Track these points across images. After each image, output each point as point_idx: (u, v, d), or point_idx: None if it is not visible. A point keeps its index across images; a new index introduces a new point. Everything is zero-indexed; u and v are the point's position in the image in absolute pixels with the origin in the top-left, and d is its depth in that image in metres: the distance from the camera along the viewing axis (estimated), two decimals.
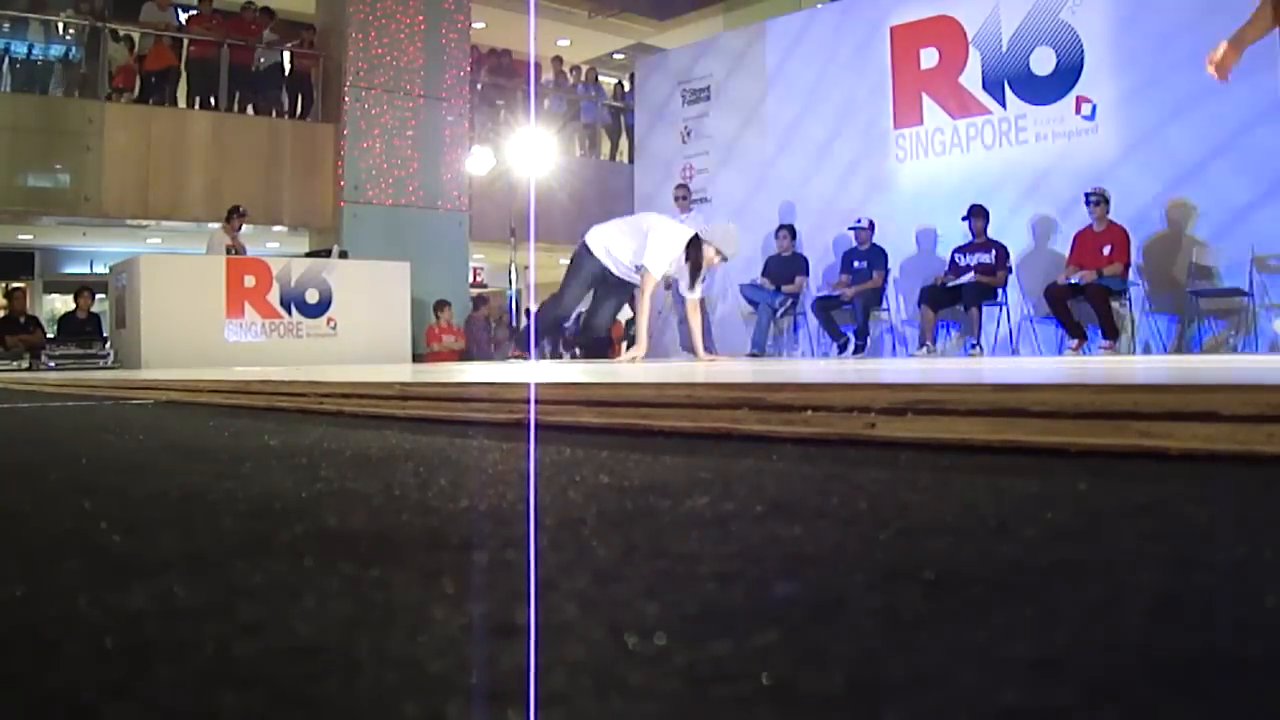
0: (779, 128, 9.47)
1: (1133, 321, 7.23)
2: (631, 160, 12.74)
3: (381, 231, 11.12)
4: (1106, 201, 7.01)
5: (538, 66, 15.03)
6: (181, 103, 11.13)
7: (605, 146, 14.46)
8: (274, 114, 11.46)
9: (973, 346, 7.50)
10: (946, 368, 3.08)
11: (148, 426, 2.32)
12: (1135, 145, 7.33)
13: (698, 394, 1.55)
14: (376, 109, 11.35)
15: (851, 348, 8.06)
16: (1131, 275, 7.08)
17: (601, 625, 0.52)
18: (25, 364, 8.69)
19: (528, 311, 13.61)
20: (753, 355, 8.49)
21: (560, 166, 12.43)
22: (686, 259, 5.62)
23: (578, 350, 6.17)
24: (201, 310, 8.49)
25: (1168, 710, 0.39)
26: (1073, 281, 6.96)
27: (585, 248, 5.81)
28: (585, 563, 0.67)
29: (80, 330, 9.54)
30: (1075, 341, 7.01)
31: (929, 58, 8.50)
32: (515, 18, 14.08)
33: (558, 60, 14.99)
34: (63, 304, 13.76)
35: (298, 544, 0.77)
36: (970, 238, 7.70)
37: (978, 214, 7.62)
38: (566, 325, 6.86)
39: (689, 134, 10.38)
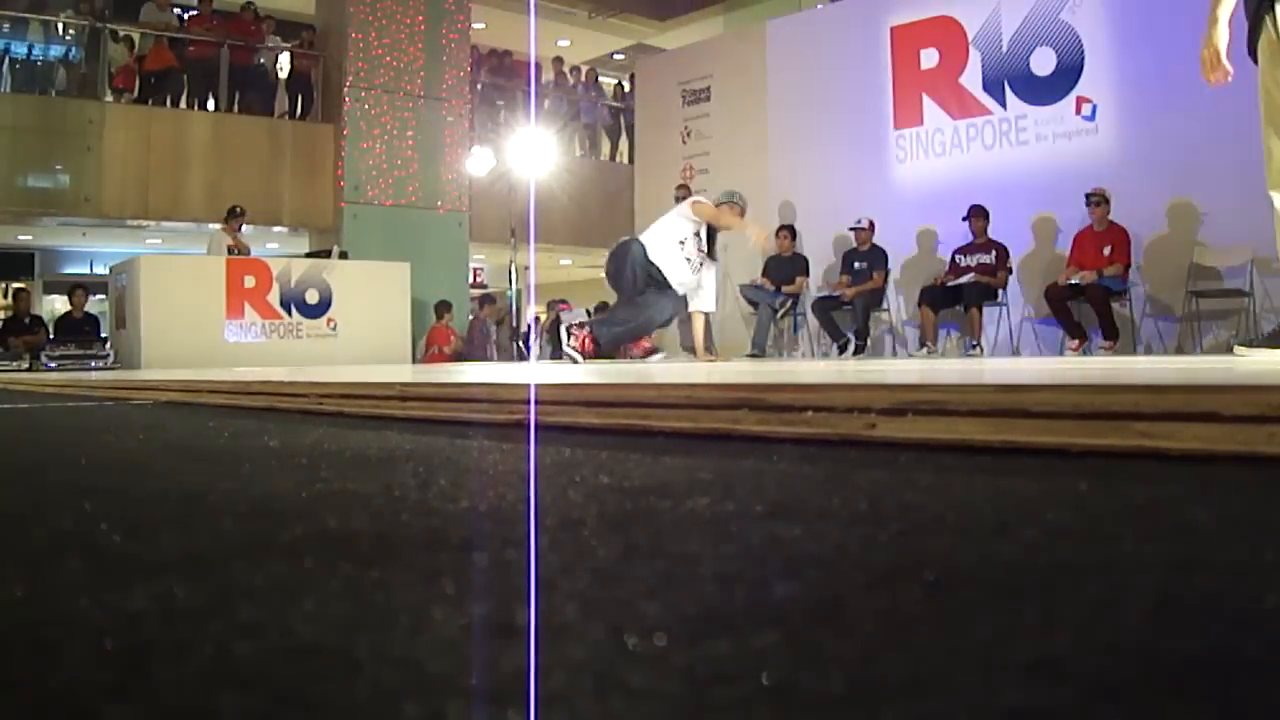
0: (779, 128, 9.47)
1: (1133, 322, 7.23)
2: (631, 160, 12.75)
3: (381, 232, 11.12)
4: (1106, 202, 7.01)
5: (538, 66, 15.03)
6: (181, 103, 11.14)
7: (605, 147, 14.47)
8: (274, 113, 11.47)
9: (973, 347, 7.50)
10: (946, 368, 3.08)
11: (148, 427, 2.32)
12: (1135, 145, 7.33)
13: (698, 394, 1.55)
14: (376, 109, 11.35)
15: (851, 348, 8.06)
16: (1132, 276, 7.08)
17: (601, 626, 0.52)
18: (25, 364, 8.69)
19: (539, 318, 13.63)
20: (753, 355, 8.49)
21: (560, 167, 12.44)
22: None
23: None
24: (201, 311, 8.49)
25: (1168, 710, 0.39)
26: (1073, 282, 6.96)
27: (640, 254, 5.79)
28: (585, 563, 0.67)
29: (78, 330, 9.54)
30: (1075, 342, 7.01)
31: (929, 58, 8.50)
32: (515, 18, 14.08)
33: (558, 60, 14.99)
34: (62, 304, 13.75)
35: (298, 545, 0.77)
36: (970, 238, 7.70)
37: (977, 214, 7.63)
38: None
39: (689, 134, 10.38)
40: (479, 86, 13.00)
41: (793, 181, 9.33)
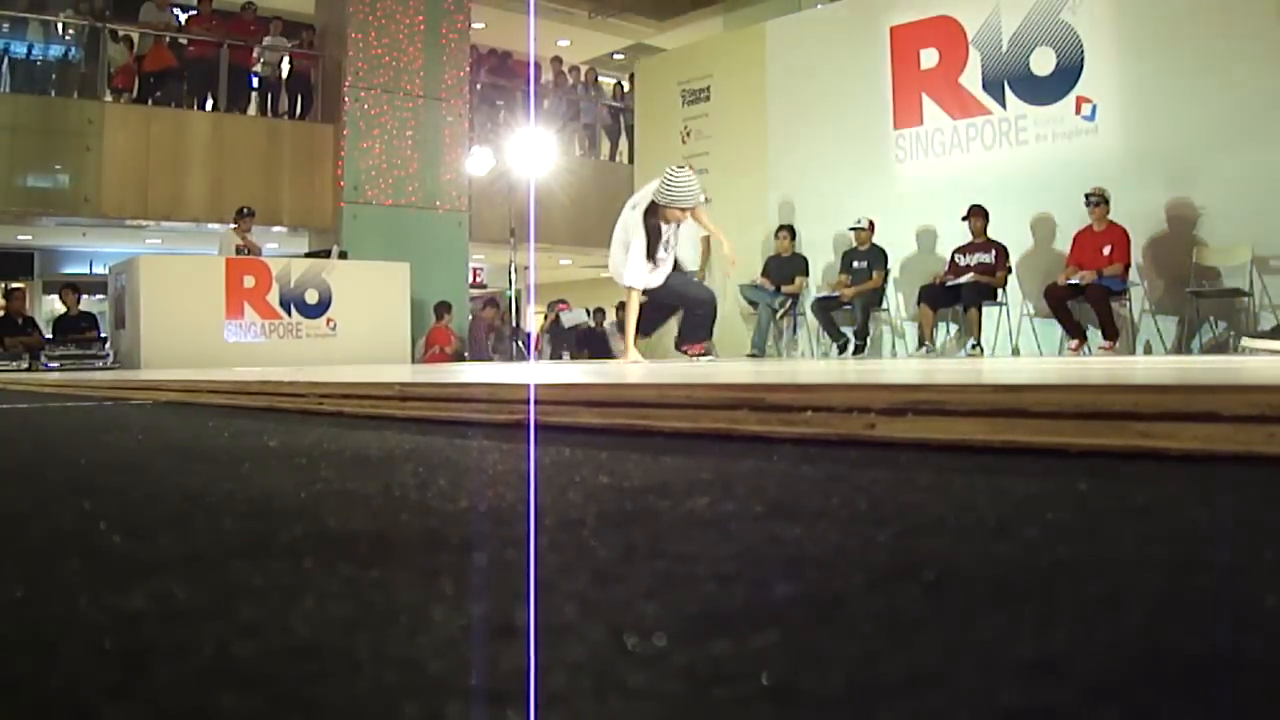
0: (779, 128, 9.47)
1: (1133, 322, 7.23)
2: (631, 160, 12.74)
3: (381, 232, 11.12)
4: (1106, 201, 7.01)
5: (538, 66, 15.03)
6: (181, 102, 11.14)
7: (605, 147, 14.46)
8: (269, 112, 11.47)
9: (973, 346, 7.50)
10: (946, 368, 3.08)
11: (147, 427, 2.32)
12: (1135, 145, 7.33)
13: (697, 394, 1.55)
14: (376, 109, 11.35)
15: (851, 348, 8.06)
16: (1132, 275, 7.08)
17: (601, 626, 0.52)
18: (25, 365, 8.69)
19: (549, 314, 13.60)
20: (752, 355, 8.49)
21: (560, 167, 12.43)
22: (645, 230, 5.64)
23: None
24: (201, 311, 8.49)
25: (1168, 710, 0.39)
26: (1073, 282, 6.96)
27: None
28: (585, 563, 0.67)
29: (76, 328, 9.53)
30: (1075, 342, 7.01)
31: (929, 58, 8.50)
32: (515, 18, 14.08)
33: (556, 60, 14.99)
34: (62, 305, 13.76)
35: (297, 545, 0.77)
36: (970, 238, 7.70)
37: (977, 214, 7.63)
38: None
39: (689, 134, 10.38)
40: (479, 86, 13.00)
41: (793, 181, 9.33)
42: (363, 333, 9.18)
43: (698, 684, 0.43)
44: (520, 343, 11.40)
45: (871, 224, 8.27)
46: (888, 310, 8.50)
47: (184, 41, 11.27)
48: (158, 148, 10.50)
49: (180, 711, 0.42)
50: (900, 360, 7.06)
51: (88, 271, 15.10)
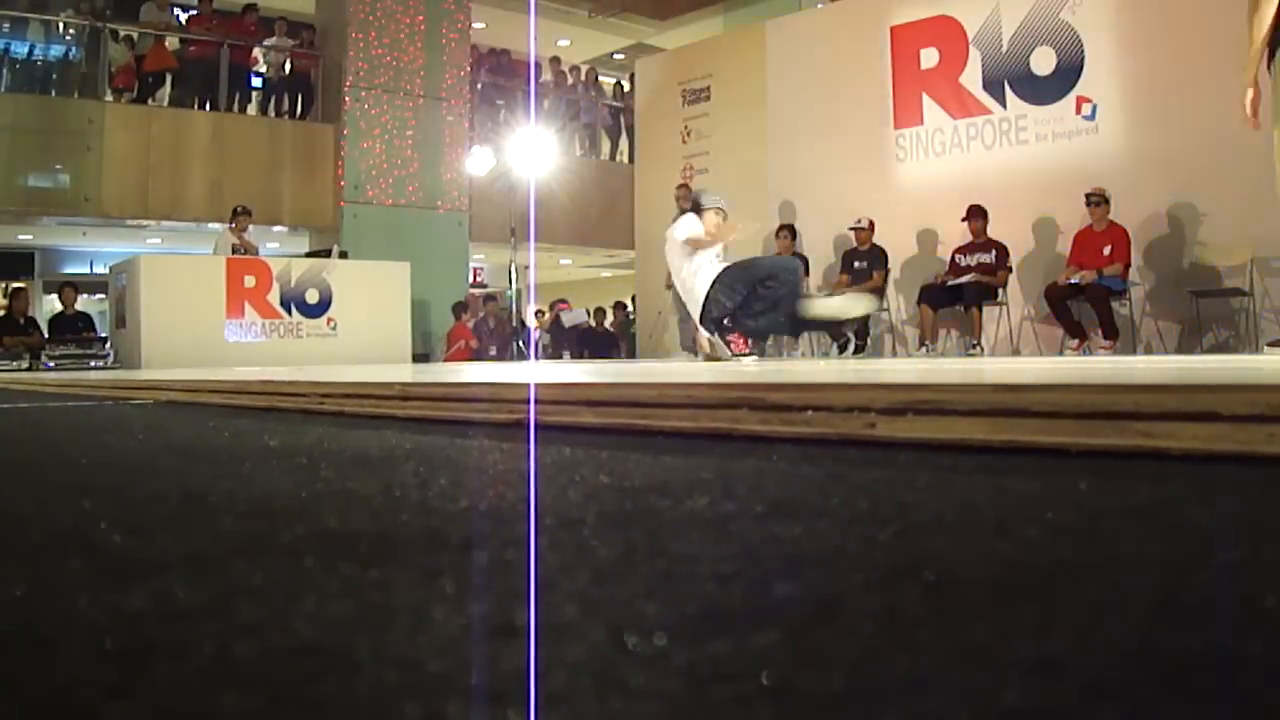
0: (779, 128, 9.47)
1: (1133, 322, 7.23)
2: (631, 160, 12.74)
3: (381, 231, 11.12)
4: (1106, 201, 7.01)
5: (538, 66, 15.03)
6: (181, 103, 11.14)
7: (605, 147, 14.46)
8: (270, 112, 11.47)
9: (973, 346, 7.50)
10: (946, 368, 3.08)
11: (148, 427, 2.32)
12: (1135, 145, 7.33)
13: (698, 394, 1.55)
14: (376, 109, 11.35)
15: (851, 348, 8.06)
16: (1132, 275, 7.08)
17: (601, 625, 0.52)
18: (25, 364, 8.69)
19: (548, 314, 13.60)
20: (752, 356, 8.48)
21: (560, 167, 12.43)
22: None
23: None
24: (201, 310, 8.48)
25: (1168, 710, 0.39)
26: (1073, 281, 6.96)
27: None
28: (585, 563, 0.67)
29: (72, 327, 9.53)
30: (1075, 341, 7.01)
31: (929, 58, 8.51)
32: (515, 18, 14.08)
33: (555, 60, 14.99)
34: (60, 304, 13.77)
35: (298, 544, 0.77)
36: (970, 238, 7.70)
37: (977, 214, 7.63)
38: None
39: (689, 134, 10.38)
40: (479, 86, 13.00)
41: (793, 181, 9.33)
42: (363, 333, 9.17)
43: (698, 683, 0.43)
44: (521, 342, 11.39)
45: (871, 224, 8.27)
46: (888, 310, 8.50)
47: (184, 40, 11.28)
48: (158, 148, 10.50)
49: (180, 711, 0.42)
50: (900, 360, 7.06)
51: (88, 271, 15.10)
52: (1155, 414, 1.09)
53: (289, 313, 8.89)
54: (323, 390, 2.50)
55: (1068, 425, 1.14)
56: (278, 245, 12.73)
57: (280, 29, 11.65)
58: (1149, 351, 7.12)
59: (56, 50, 11.15)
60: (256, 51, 11.65)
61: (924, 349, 7.74)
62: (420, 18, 11.64)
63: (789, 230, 8.81)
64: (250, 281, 8.74)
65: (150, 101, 10.88)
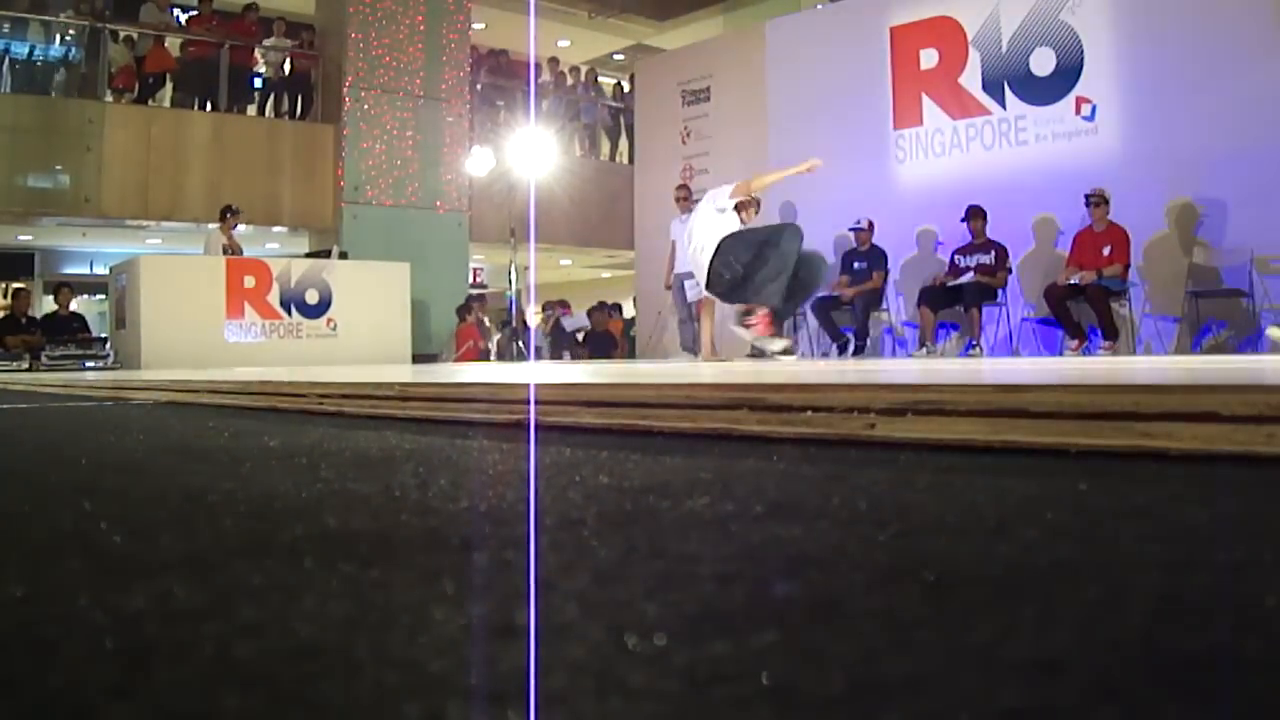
0: (779, 128, 9.47)
1: (1133, 322, 7.23)
2: (631, 160, 12.74)
3: (381, 232, 11.12)
4: (1106, 202, 7.01)
5: (538, 66, 15.03)
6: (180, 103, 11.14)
7: (605, 147, 14.46)
8: (270, 112, 11.47)
9: (972, 347, 7.50)
10: (946, 368, 3.08)
11: (148, 427, 2.32)
12: (1135, 145, 7.33)
13: (697, 394, 1.55)
14: (376, 109, 11.35)
15: (851, 348, 8.06)
16: (1131, 276, 7.08)
17: (601, 626, 0.52)
18: (25, 365, 8.69)
19: (550, 313, 13.59)
20: (752, 356, 8.49)
21: (560, 167, 12.43)
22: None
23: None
24: (201, 311, 8.48)
25: (1168, 710, 0.39)
26: (1073, 282, 6.96)
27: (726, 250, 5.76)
28: (585, 563, 0.67)
29: (65, 327, 9.54)
30: (1075, 342, 7.01)
31: (929, 58, 8.50)
32: (515, 18, 14.08)
33: (553, 61, 14.99)
34: (55, 303, 13.75)
35: (298, 545, 0.77)
36: (970, 238, 7.70)
37: (976, 214, 7.63)
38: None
39: (689, 134, 10.38)
40: (479, 86, 13.00)
41: (792, 181, 9.32)
42: (363, 333, 9.18)
43: (697, 684, 0.43)
44: (521, 342, 11.39)
45: (871, 224, 8.27)
46: (887, 310, 8.50)
47: (184, 41, 11.28)
48: (158, 148, 10.50)
49: (180, 712, 0.42)
50: (900, 360, 7.06)
51: (88, 271, 15.09)
52: (1155, 414, 1.09)
53: (289, 313, 8.90)
54: (322, 390, 2.50)
55: (1067, 425, 1.14)
56: (277, 246, 12.72)
57: (280, 29, 11.65)
58: (1149, 351, 7.12)
59: (56, 51, 11.14)
60: (256, 52, 11.64)
61: (923, 349, 7.74)
62: (420, 18, 11.64)
63: None
64: (250, 282, 8.74)
65: (150, 102, 10.88)
